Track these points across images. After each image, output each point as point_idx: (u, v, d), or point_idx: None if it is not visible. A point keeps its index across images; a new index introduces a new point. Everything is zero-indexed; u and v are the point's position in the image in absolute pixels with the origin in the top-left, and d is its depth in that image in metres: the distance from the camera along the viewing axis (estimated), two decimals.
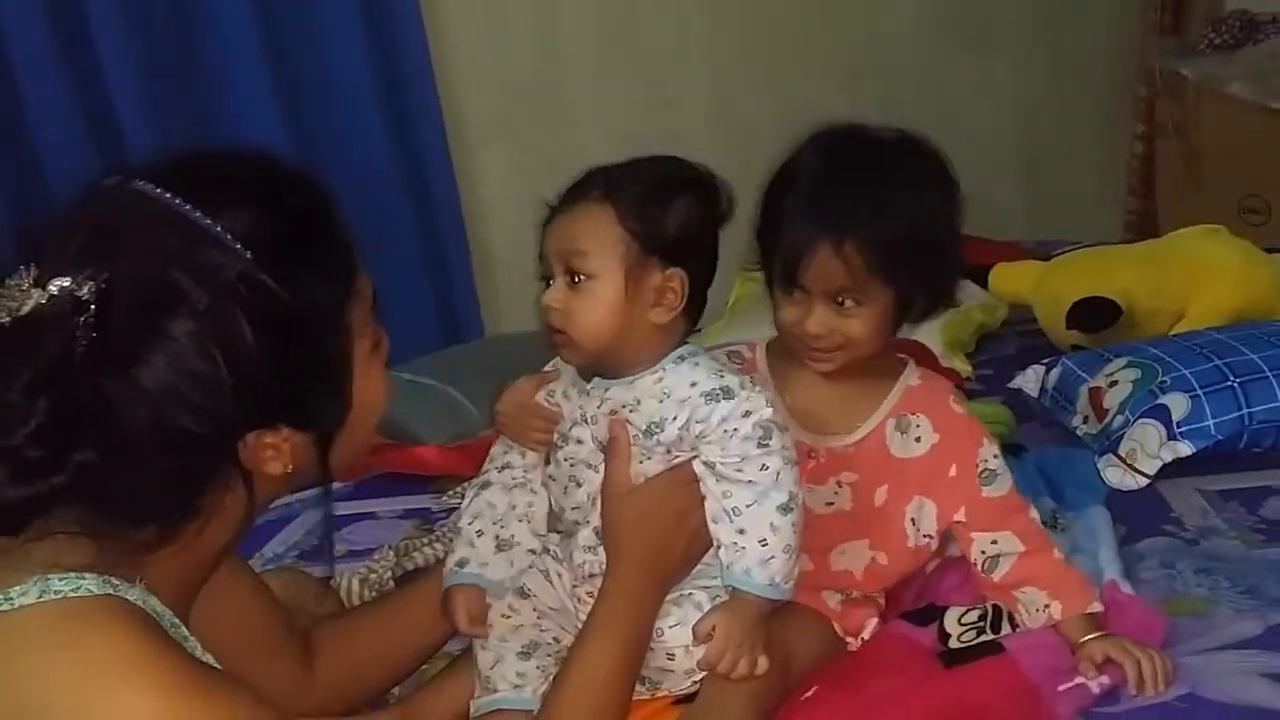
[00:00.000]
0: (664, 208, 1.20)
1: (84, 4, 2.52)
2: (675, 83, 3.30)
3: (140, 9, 2.56)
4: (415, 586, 1.40)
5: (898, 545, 1.35)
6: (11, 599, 0.85)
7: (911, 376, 1.36)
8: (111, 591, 0.88)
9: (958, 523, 1.35)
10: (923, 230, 1.26)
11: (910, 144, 1.31)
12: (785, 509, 1.18)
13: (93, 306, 0.84)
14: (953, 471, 1.33)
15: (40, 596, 0.85)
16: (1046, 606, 1.32)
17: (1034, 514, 1.37)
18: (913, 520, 1.34)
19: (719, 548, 1.21)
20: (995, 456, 1.35)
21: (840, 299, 1.25)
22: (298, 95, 2.76)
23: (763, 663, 1.18)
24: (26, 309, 0.84)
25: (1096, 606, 1.33)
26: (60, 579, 0.86)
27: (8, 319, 0.84)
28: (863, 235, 1.23)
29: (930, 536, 1.35)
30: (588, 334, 1.21)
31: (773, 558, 1.18)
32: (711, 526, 1.21)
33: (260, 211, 0.92)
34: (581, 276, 1.20)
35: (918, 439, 1.33)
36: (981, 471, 1.34)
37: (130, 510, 0.90)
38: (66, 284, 0.84)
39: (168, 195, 0.90)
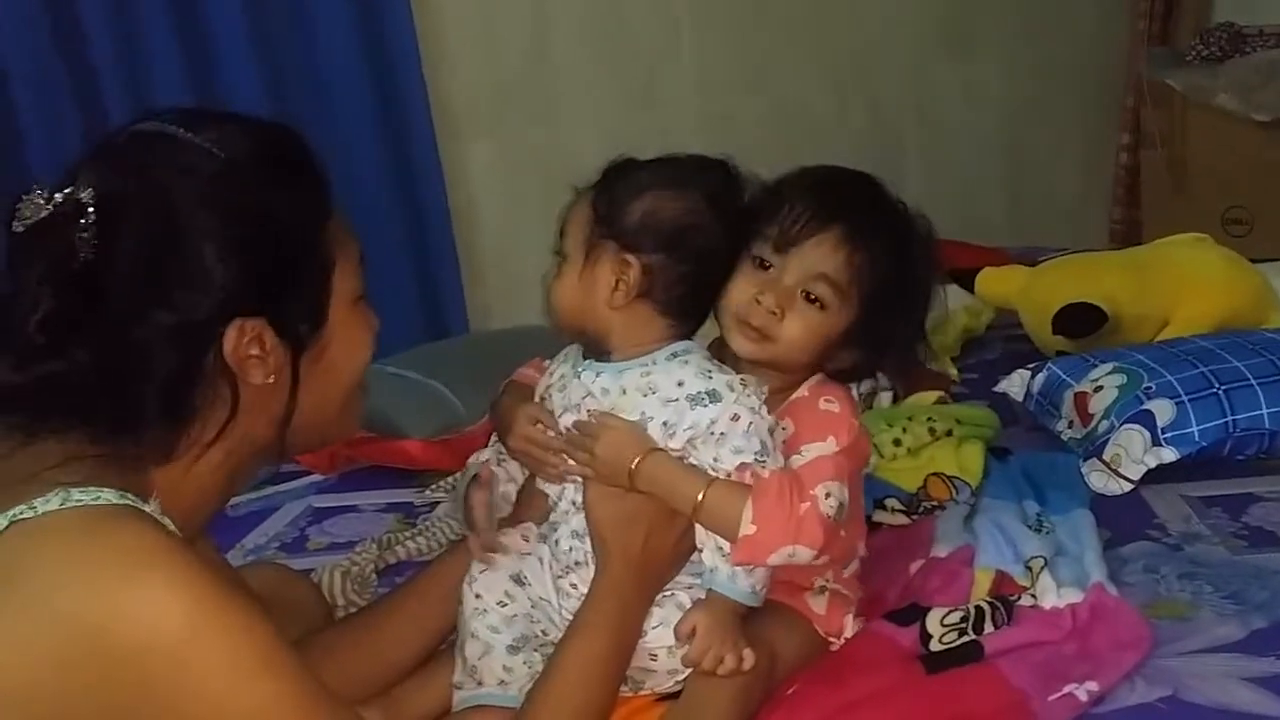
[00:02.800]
0: (637, 196, 1.22)
1: None
2: (664, 81, 3.31)
3: None
4: (399, 594, 1.38)
5: None
6: (35, 507, 0.90)
7: (802, 390, 1.29)
8: (130, 503, 0.92)
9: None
10: (910, 287, 1.28)
11: (924, 219, 1.31)
12: None
13: (90, 209, 0.93)
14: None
15: (62, 504, 0.90)
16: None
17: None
18: None
19: (703, 551, 1.21)
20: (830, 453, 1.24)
21: (813, 292, 1.23)
22: (285, 86, 2.75)
23: (749, 656, 1.18)
24: (42, 216, 0.94)
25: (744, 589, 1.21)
26: (80, 490, 0.91)
27: (21, 227, 0.95)
28: (873, 243, 1.23)
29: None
30: (554, 308, 1.26)
31: (757, 567, 1.19)
32: (699, 531, 1.21)
33: (246, 138, 1.02)
34: (562, 255, 1.25)
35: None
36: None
37: (126, 406, 0.96)
38: (69, 191, 0.94)
39: (165, 120, 1.01)
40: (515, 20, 3.12)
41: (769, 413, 1.23)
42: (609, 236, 1.22)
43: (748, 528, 1.17)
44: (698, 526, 1.21)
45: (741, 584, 1.19)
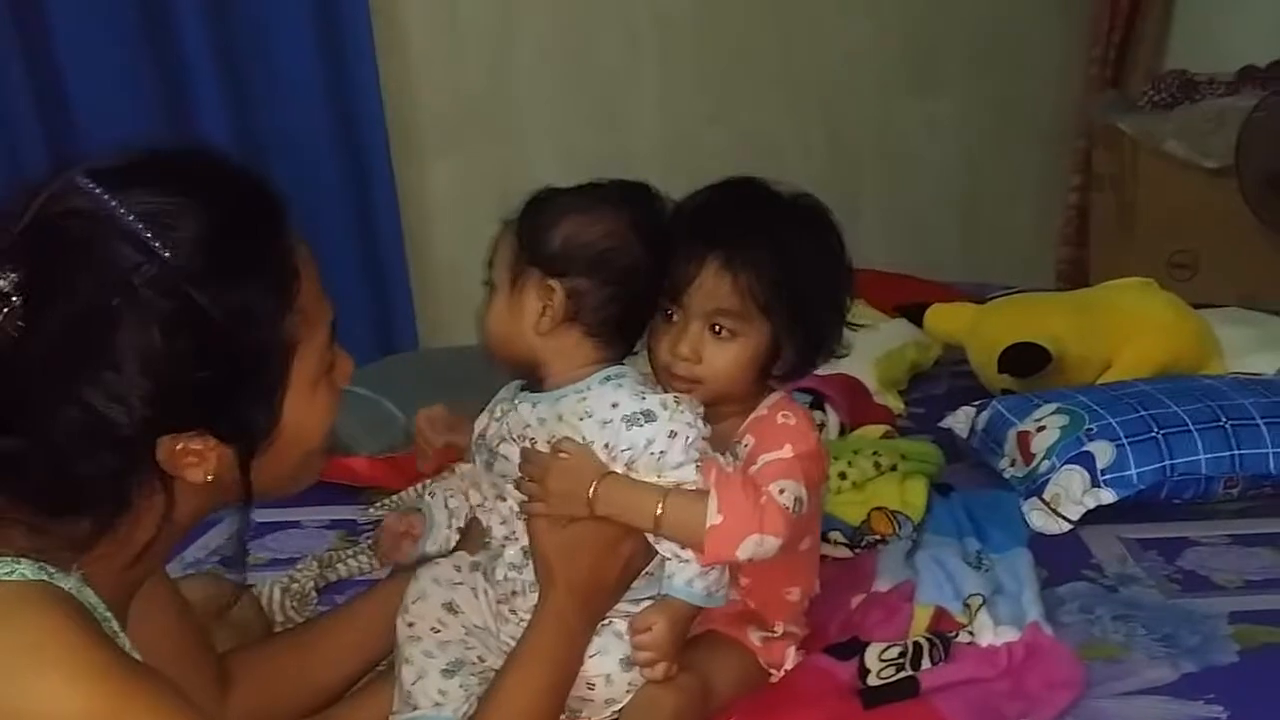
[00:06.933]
0: (556, 223, 1.23)
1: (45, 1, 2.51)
2: (625, 104, 3.32)
3: (100, 4, 2.54)
4: (336, 616, 1.37)
5: None
6: None
7: (761, 409, 1.32)
8: (46, 578, 0.88)
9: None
10: (810, 279, 1.28)
11: (811, 206, 1.34)
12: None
13: (14, 299, 0.86)
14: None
15: None
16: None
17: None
18: None
19: (662, 561, 1.23)
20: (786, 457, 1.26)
21: (718, 325, 1.27)
22: (245, 98, 2.74)
23: (672, 670, 1.21)
24: None
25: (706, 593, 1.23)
26: None
27: None
28: (752, 259, 1.26)
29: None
30: (487, 341, 1.27)
31: (711, 570, 1.21)
32: (655, 543, 1.22)
33: (196, 214, 0.91)
34: (491, 285, 1.27)
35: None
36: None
37: (56, 500, 0.91)
38: None
39: (102, 192, 0.90)
40: (478, 39, 3.13)
41: (732, 434, 1.26)
42: (532, 264, 1.23)
43: (714, 517, 1.18)
44: (653, 541, 1.22)
45: (698, 587, 1.21)
